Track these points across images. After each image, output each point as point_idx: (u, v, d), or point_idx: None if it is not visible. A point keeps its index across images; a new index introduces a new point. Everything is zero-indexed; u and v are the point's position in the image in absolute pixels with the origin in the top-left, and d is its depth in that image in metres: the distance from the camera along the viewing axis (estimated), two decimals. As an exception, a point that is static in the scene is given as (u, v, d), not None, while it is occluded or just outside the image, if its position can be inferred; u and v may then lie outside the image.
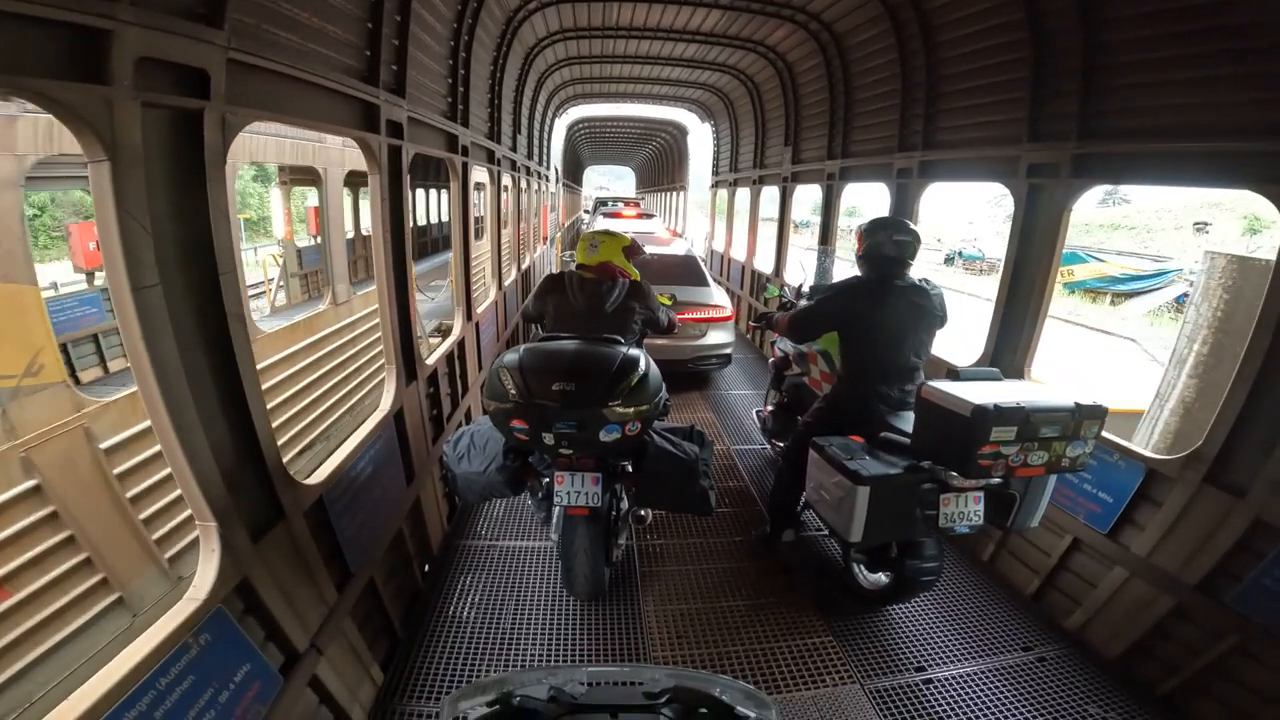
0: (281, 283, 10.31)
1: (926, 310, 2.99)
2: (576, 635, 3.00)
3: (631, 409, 2.41)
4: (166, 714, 1.40)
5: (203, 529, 1.61)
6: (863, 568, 3.28)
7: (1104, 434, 2.65)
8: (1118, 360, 14.67)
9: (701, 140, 13.58)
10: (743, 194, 10.40)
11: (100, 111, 1.31)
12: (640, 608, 3.21)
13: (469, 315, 4.73)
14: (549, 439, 2.42)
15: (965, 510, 2.58)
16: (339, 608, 2.23)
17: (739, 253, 10.22)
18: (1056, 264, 3.43)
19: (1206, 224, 28.16)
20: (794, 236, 8.49)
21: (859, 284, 3.07)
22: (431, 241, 15.38)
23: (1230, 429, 2.42)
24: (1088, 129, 3.16)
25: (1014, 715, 2.62)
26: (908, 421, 2.73)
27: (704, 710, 0.93)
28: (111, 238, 1.36)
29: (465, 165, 4.54)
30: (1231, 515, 2.41)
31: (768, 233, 8.82)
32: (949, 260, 30.45)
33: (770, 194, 8.93)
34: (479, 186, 10.26)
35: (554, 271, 3.67)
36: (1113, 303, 22.16)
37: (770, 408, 4.79)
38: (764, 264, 9.05)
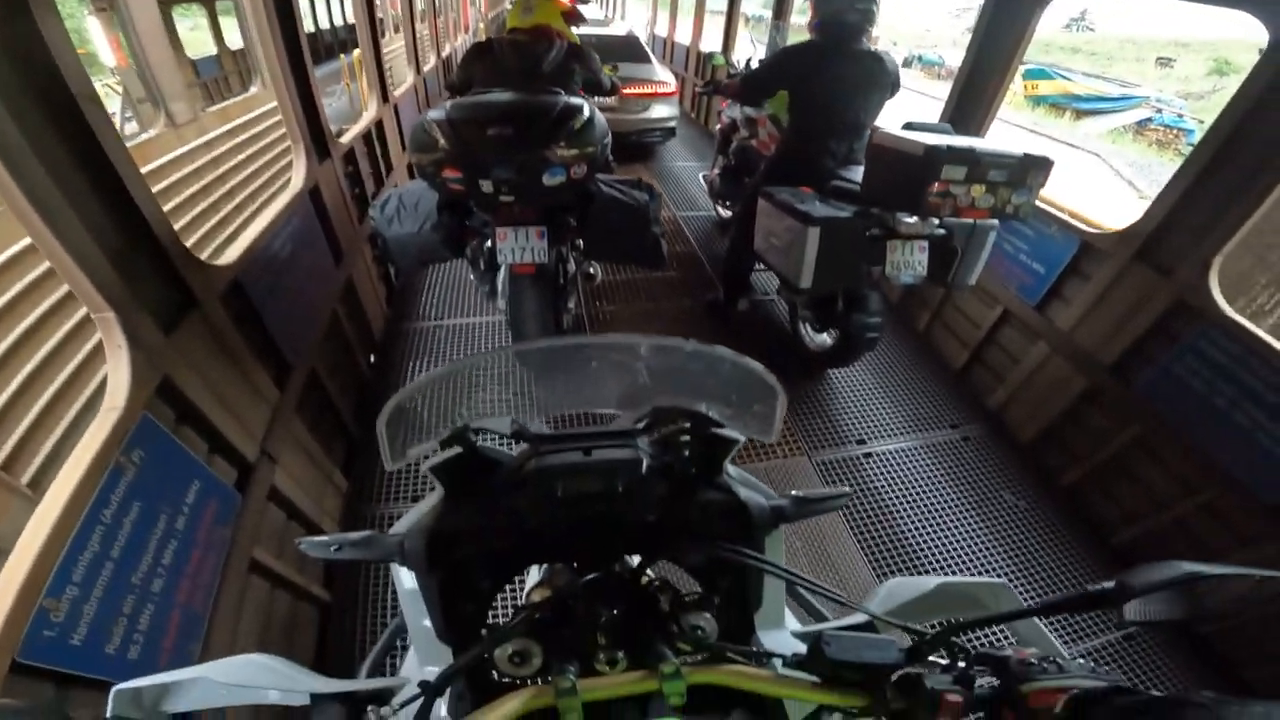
0: (128, 113, 9.11)
1: (879, 75, 2.98)
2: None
3: (576, 150, 2.30)
4: (124, 550, 1.33)
5: (101, 323, 1.46)
6: (809, 328, 3.47)
7: (1043, 205, 2.78)
8: (1082, 172, 15.02)
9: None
10: None
11: None
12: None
13: (385, 98, 4.36)
14: (487, 186, 2.29)
15: (910, 259, 2.69)
16: (283, 407, 2.16)
17: (684, 37, 9.68)
18: (1017, 65, 3.32)
19: (1170, 60, 28.29)
20: (742, 29, 7.97)
21: (813, 44, 3.01)
22: (325, 47, 13.59)
23: (1169, 209, 2.50)
24: None
25: (940, 491, 2.93)
26: (856, 174, 2.80)
27: (685, 437, 0.88)
28: None
29: None
30: (1155, 294, 2.55)
31: (714, 24, 8.29)
32: (907, 63, 30.86)
33: None
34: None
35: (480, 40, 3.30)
36: (1074, 118, 22.37)
37: (717, 171, 4.85)
38: (709, 46, 8.64)
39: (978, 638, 2.28)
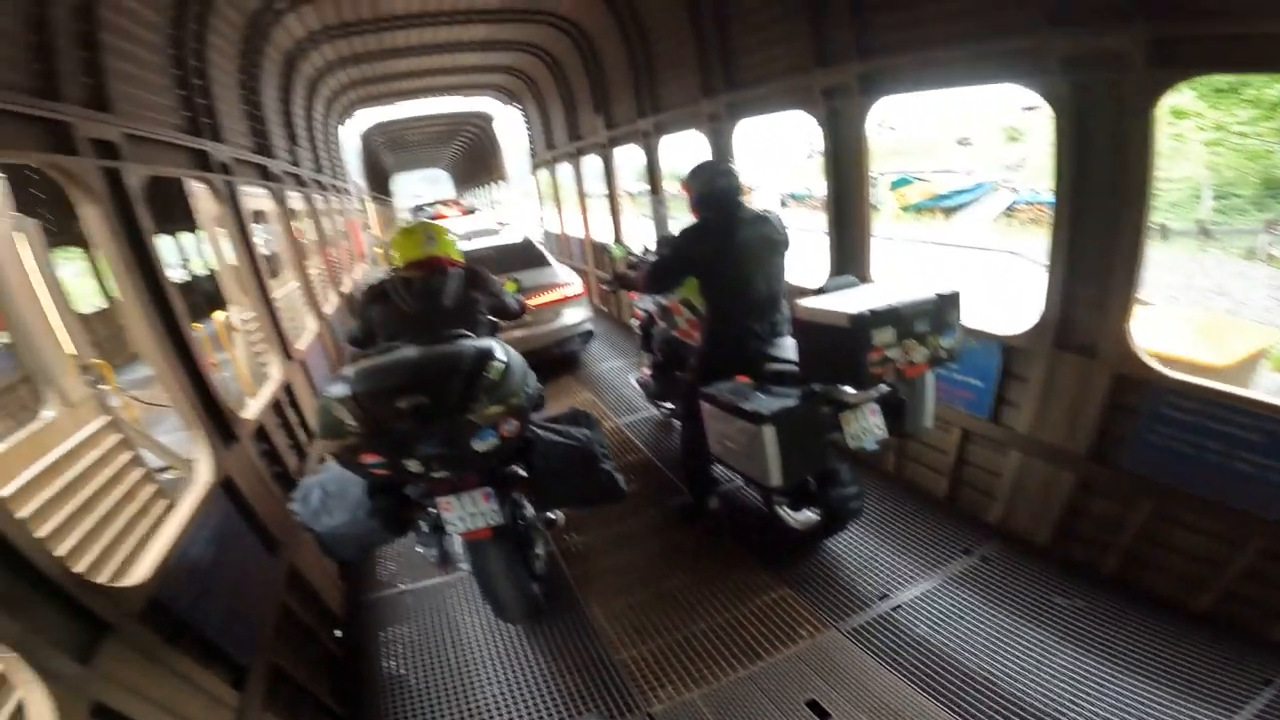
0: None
1: (773, 238, 3.28)
2: (527, 659, 2.94)
3: (501, 406, 2.26)
4: None
5: (3, 664, 1.46)
6: (787, 510, 3.47)
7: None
8: (1011, 275, 15.77)
9: (513, 124, 13.53)
10: (566, 170, 10.57)
11: None
12: (585, 613, 3.18)
13: (288, 354, 4.37)
14: (414, 466, 2.21)
15: (867, 425, 2.81)
16: (247, 709, 2.11)
17: (575, 229, 10.52)
18: (866, 175, 3.91)
19: (967, 139, 32.58)
20: (629, 206, 8.77)
21: (705, 224, 3.29)
22: (206, 297, 13.19)
23: (1061, 293, 2.77)
24: (865, 47, 3.57)
25: (987, 619, 2.83)
26: (788, 350, 2.96)
27: None
28: None
29: (230, 184, 4.20)
30: (1092, 376, 2.72)
31: (600, 205, 9.13)
32: (783, 204, 33.23)
33: (595, 165, 9.15)
34: (260, 215, 9.50)
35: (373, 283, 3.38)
36: (945, 217, 25.14)
37: (648, 370, 4.94)
38: (602, 235, 9.38)
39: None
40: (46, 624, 1.57)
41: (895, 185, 26.86)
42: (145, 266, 2.64)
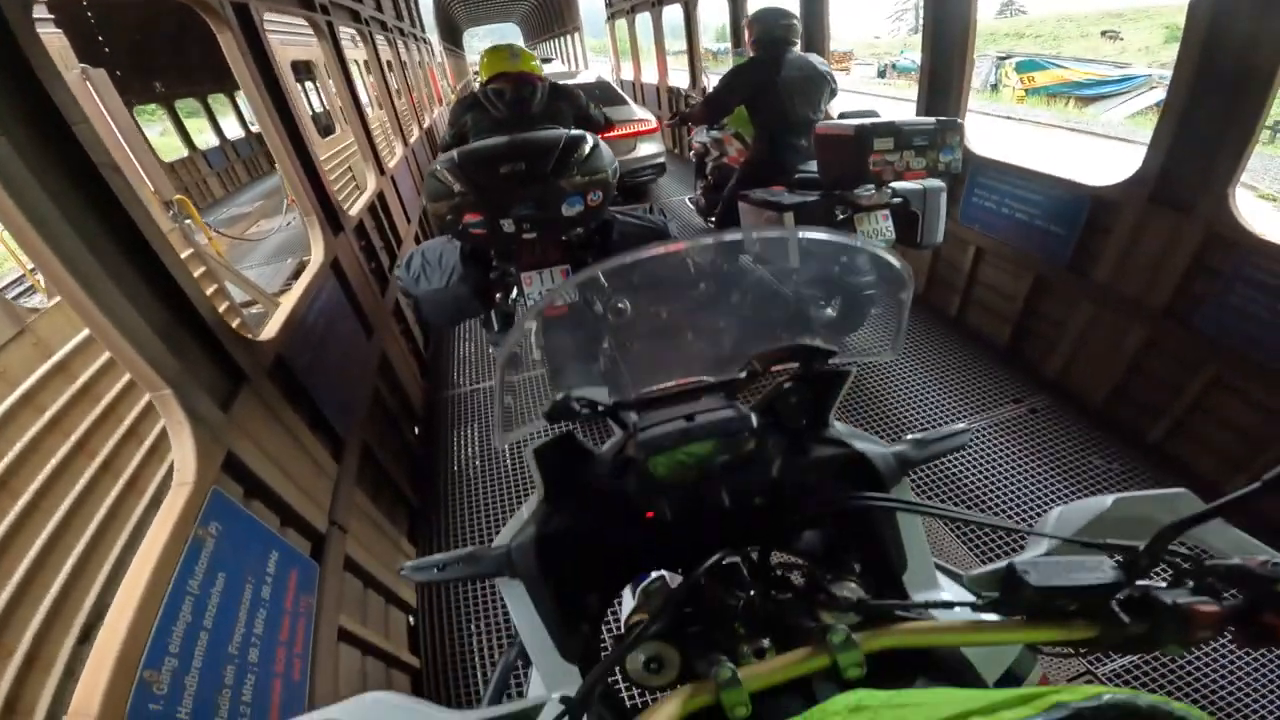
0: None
1: (816, 74, 3.83)
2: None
3: (588, 177, 2.60)
4: (216, 620, 1.44)
5: (161, 402, 1.62)
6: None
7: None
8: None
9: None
10: (644, 22, 10.49)
11: None
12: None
13: (381, 170, 4.94)
14: (508, 225, 2.56)
15: (878, 227, 3.34)
16: (343, 479, 2.39)
17: (650, 76, 10.75)
18: (971, 55, 3.75)
19: (1116, 32, 29.48)
20: (709, 64, 8.84)
21: (757, 59, 3.85)
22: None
23: (1168, 147, 2.73)
24: None
25: (1021, 468, 3.07)
26: (815, 166, 3.52)
27: (789, 384, 0.89)
28: None
29: (330, 24, 4.55)
30: (1183, 231, 2.71)
31: (678, 64, 9.40)
32: (881, 74, 31.83)
33: (675, 16, 9.05)
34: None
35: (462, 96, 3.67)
36: (1078, 106, 23.23)
37: (700, 191, 5.73)
38: (678, 81, 9.68)
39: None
40: (199, 369, 1.78)
41: (1022, 68, 24.83)
42: (272, 89, 2.99)
